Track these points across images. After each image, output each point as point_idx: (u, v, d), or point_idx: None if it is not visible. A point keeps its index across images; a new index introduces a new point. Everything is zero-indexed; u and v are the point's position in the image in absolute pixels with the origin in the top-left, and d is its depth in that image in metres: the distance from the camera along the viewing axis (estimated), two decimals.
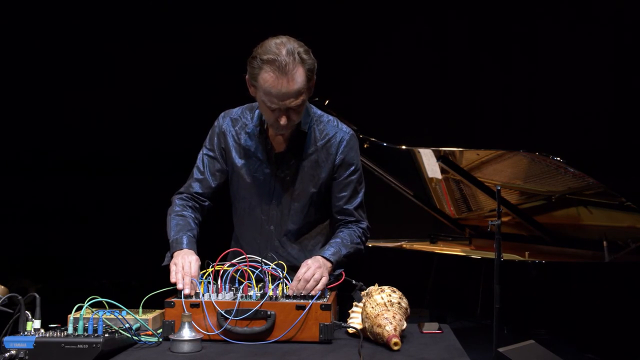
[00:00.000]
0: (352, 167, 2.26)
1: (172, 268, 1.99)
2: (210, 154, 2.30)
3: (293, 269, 2.07)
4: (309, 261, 2.04)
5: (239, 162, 2.27)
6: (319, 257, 2.08)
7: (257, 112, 2.26)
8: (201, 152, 2.32)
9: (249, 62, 2.06)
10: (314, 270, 1.98)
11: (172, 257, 2.08)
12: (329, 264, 2.08)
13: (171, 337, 1.72)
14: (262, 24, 5.20)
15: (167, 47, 5.51)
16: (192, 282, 1.91)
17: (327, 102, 3.88)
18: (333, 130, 2.26)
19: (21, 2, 5.29)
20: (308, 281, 1.95)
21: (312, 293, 1.92)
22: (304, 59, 2.03)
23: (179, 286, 1.90)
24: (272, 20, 5.39)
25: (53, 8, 5.28)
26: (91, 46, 5.45)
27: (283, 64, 1.98)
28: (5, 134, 5.29)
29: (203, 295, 1.88)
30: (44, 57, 5.36)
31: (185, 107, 5.44)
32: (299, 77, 2.01)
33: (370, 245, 4.24)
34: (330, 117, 2.30)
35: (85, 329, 1.67)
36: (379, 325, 1.77)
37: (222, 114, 2.34)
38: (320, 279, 1.96)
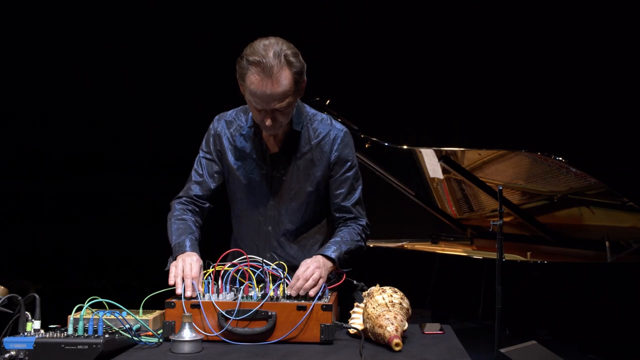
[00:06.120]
0: (348, 164, 2.27)
1: (172, 270, 1.98)
2: (208, 156, 2.31)
3: (293, 269, 2.07)
4: (309, 260, 2.03)
5: (234, 163, 2.27)
6: (319, 257, 2.07)
7: (250, 113, 2.26)
8: (198, 155, 2.34)
9: (238, 62, 2.06)
10: (313, 270, 1.97)
11: (175, 261, 2.07)
12: (329, 264, 2.07)
13: (172, 337, 1.71)
14: (263, 24, 5.20)
15: (168, 47, 5.51)
16: (192, 285, 1.90)
17: (328, 102, 3.88)
18: (326, 128, 2.27)
19: (22, 2, 5.29)
20: (307, 280, 1.93)
21: (311, 293, 1.90)
22: (290, 62, 2.02)
23: (178, 290, 1.89)
24: (273, 20, 5.39)
25: (53, 8, 5.28)
26: (92, 47, 5.45)
27: (268, 67, 1.98)
28: (6, 134, 5.29)
29: (204, 295, 1.87)
30: (44, 58, 5.36)
31: (186, 107, 5.44)
32: (285, 79, 2.01)
33: (371, 246, 4.23)
34: (324, 116, 2.31)
35: (86, 330, 1.67)
36: (381, 326, 1.76)
37: (217, 116, 2.35)
38: (319, 280, 1.95)
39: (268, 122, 2.07)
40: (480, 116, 5.64)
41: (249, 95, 2.06)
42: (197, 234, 2.19)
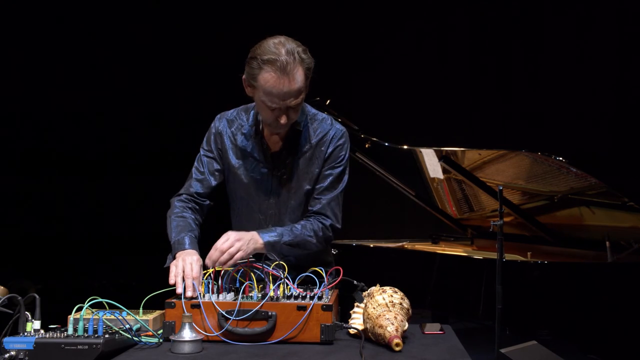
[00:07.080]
0: (336, 162, 2.28)
1: (172, 269, 1.98)
2: (209, 154, 2.33)
3: (293, 268, 2.08)
4: (233, 233, 2.06)
5: (236, 162, 2.29)
6: (253, 233, 2.09)
7: (252, 112, 2.28)
8: (199, 154, 2.35)
9: (248, 62, 2.08)
10: (232, 242, 2.02)
11: (174, 258, 2.08)
12: (260, 242, 2.09)
13: (172, 337, 1.71)
14: (263, 24, 5.20)
15: (168, 47, 5.51)
16: (192, 285, 1.90)
17: (328, 101, 3.87)
18: (327, 127, 2.29)
19: (21, 1, 5.29)
20: (223, 253, 1.99)
21: (225, 267, 1.97)
22: (303, 59, 2.06)
23: (178, 290, 1.90)
24: (273, 20, 5.38)
25: (53, 8, 5.28)
26: (92, 46, 5.45)
27: (284, 64, 2.00)
28: (6, 134, 5.29)
29: (204, 296, 1.87)
30: (45, 58, 5.36)
31: (186, 107, 5.44)
32: (299, 76, 2.05)
33: (371, 246, 4.23)
34: (324, 115, 2.33)
35: (86, 330, 1.67)
36: (381, 326, 1.76)
37: (218, 116, 2.37)
38: (236, 253, 2.00)
39: (283, 120, 2.10)
40: (480, 116, 5.63)
41: (263, 94, 2.06)
42: (196, 232, 2.21)
